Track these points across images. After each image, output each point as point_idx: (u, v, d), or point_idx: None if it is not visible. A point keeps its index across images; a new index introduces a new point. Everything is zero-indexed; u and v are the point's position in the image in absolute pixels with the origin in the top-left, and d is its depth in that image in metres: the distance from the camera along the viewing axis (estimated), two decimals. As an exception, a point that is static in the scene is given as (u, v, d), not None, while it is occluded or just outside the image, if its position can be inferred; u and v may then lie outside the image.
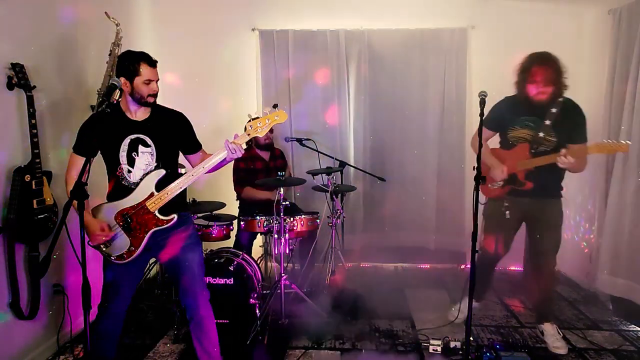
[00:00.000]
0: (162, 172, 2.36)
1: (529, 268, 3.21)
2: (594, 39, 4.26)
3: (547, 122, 2.93)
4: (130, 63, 2.29)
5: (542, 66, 2.85)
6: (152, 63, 2.34)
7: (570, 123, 2.94)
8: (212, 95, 4.68)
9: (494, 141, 3.25)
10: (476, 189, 2.48)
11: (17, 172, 2.59)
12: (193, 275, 2.49)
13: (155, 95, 2.37)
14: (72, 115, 3.14)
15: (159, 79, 2.39)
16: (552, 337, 3.08)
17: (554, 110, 2.92)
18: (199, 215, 3.52)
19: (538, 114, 2.96)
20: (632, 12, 3.60)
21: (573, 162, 2.79)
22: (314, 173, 3.81)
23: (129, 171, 2.35)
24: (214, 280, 3.17)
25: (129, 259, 2.36)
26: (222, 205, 3.60)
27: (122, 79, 2.28)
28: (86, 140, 2.33)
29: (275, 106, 2.38)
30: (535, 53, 2.94)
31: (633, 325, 3.45)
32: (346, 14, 4.54)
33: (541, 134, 2.95)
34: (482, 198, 3.15)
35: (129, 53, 2.36)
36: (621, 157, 3.56)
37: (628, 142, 2.88)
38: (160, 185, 2.35)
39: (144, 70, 2.30)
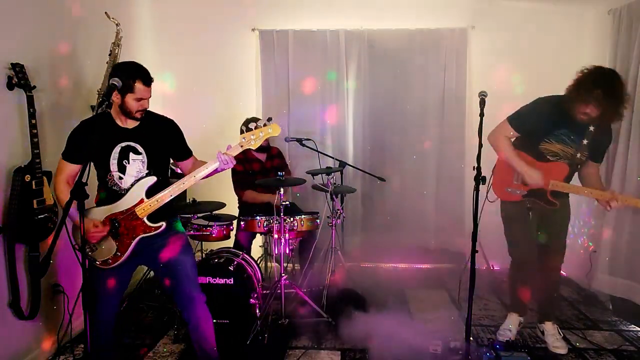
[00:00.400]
0: (154, 179, 2.35)
1: (535, 267, 3.16)
2: (594, 39, 4.26)
3: (585, 142, 2.83)
4: (127, 78, 2.24)
5: (601, 91, 2.58)
6: (148, 82, 2.31)
7: (601, 144, 2.90)
8: (211, 95, 4.67)
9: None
10: (476, 189, 2.47)
11: (17, 172, 2.59)
12: (187, 279, 2.47)
13: (143, 111, 2.34)
14: (72, 115, 3.14)
15: (150, 96, 2.35)
16: (553, 336, 3.08)
17: (591, 128, 2.81)
18: (199, 215, 3.52)
19: (577, 131, 2.82)
20: (632, 12, 3.60)
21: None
22: (314, 173, 3.81)
23: (120, 178, 2.35)
24: (214, 280, 3.17)
25: (115, 264, 2.35)
26: (222, 205, 3.60)
27: (114, 92, 2.24)
28: (76, 147, 2.32)
29: (269, 119, 2.39)
30: (599, 71, 2.66)
31: (633, 325, 3.45)
32: (346, 14, 4.54)
33: (578, 155, 2.86)
34: (494, 199, 3.05)
35: (127, 65, 2.33)
36: (622, 156, 3.56)
37: None
38: (151, 192, 2.34)
39: (138, 88, 2.26)
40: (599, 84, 2.59)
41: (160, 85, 4.53)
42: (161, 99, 4.54)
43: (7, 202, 2.59)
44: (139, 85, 2.26)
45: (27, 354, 2.80)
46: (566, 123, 2.81)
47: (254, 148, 2.39)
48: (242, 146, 2.35)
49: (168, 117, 2.55)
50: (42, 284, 2.82)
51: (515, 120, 2.91)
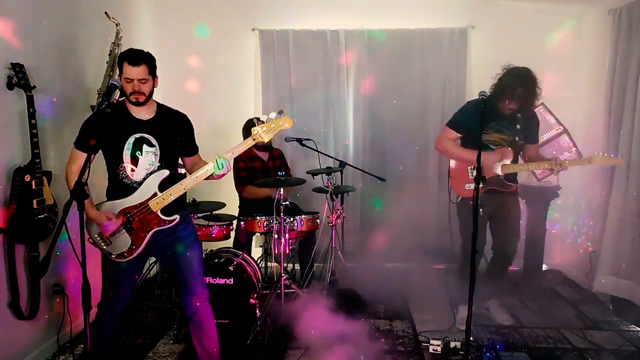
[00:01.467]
0: (166, 172, 2.36)
1: (495, 255, 3.47)
2: (594, 39, 4.26)
3: (518, 127, 3.17)
4: (119, 60, 2.31)
5: (520, 89, 2.97)
6: (134, 62, 2.26)
7: (531, 126, 3.24)
8: (211, 95, 4.68)
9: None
10: (476, 189, 2.49)
11: (17, 172, 2.59)
12: (193, 273, 2.49)
13: (138, 94, 2.29)
14: (72, 115, 3.15)
15: (145, 79, 2.30)
16: (497, 311, 3.44)
17: (519, 115, 3.14)
18: (199, 215, 3.52)
19: (508, 119, 3.15)
20: (632, 12, 3.59)
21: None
22: (314, 173, 3.81)
23: (132, 170, 2.34)
24: (214, 280, 3.17)
25: (130, 258, 2.37)
26: (222, 205, 3.60)
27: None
28: (89, 136, 2.29)
29: (280, 112, 2.39)
30: (516, 72, 3.02)
31: (633, 325, 3.45)
32: (346, 14, 4.54)
33: (517, 139, 3.16)
34: (454, 198, 3.36)
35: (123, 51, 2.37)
36: (625, 157, 3.56)
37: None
38: (163, 185, 2.34)
39: (125, 68, 2.26)
40: (519, 84, 2.96)
41: (160, 85, 4.54)
42: (161, 99, 4.54)
43: (7, 202, 2.59)
44: (125, 65, 2.26)
45: (27, 354, 2.80)
46: (496, 116, 3.13)
47: (266, 140, 2.39)
48: (254, 139, 2.35)
49: (182, 112, 2.55)
50: (42, 284, 2.83)
51: (453, 123, 3.29)
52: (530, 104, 3.07)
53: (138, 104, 2.33)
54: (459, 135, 3.29)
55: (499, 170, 3.16)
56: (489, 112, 3.05)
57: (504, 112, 3.10)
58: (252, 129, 2.36)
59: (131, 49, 2.35)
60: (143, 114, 2.38)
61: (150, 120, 2.39)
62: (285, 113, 2.42)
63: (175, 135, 2.45)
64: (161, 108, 2.45)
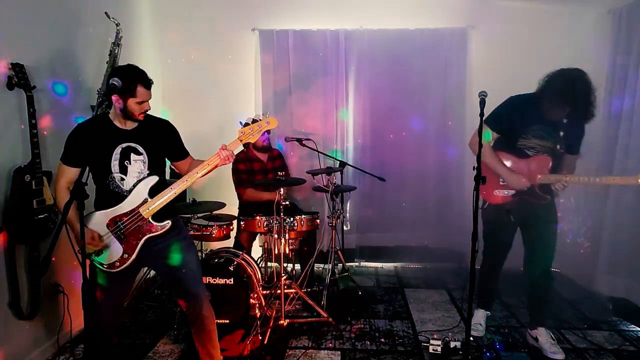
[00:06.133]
0: (155, 178, 2.36)
1: (526, 270, 3.16)
2: (594, 39, 4.26)
3: (561, 134, 2.87)
4: (128, 82, 2.22)
5: (571, 94, 2.67)
6: (148, 85, 2.30)
7: (575, 136, 2.92)
8: (211, 95, 4.68)
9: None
10: (476, 189, 2.47)
11: (17, 172, 2.59)
12: (193, 276, 2.47)
13: (146, 112, 2.35)
14: (72, 115, 3.15)
15: (151, 98, 2.34)
16: (547, 343, 3.00)
17: (565, 120, 2.85)
18: (199, 215, 3.52)
19: (552, 125, 2.87)
20: (632, 12, 3.60)
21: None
22: (314, 173, 3.81)
23: (122, 179, 2.33)
24: (214, 280, 3.17)
25: (122, 267, 2.33)
26: (222, 205, 3.60)
27: (115, 96, 2.24)
28: (73, 150, 2.30)
29: (264, 114, 2.43)
30: (570, 75, 2.70)
31: (633, 325, 3.45)
32: (346, 14, 4.55)
33: (558, 147, 2.89)
34: (481, 202, 2.98)
35: (127, 69, 2.29)
36: (623, 156, 3.56)
37: None
38: (153, 191, 2.34)
39: (140, 92, 2.26)
40: (571, 86, 2.66)
41: (160, 84, 4.54)
42: (161, 99, 4.55)
43: (7, 202, 2.59)
44: (140, 89, 2.25)
45: (27, 353, 2.80)
46: (541, 118, 2.85)
47: (252, 141, 2.41)
48: (241, 140, 2.37)
49: (164, 118, 2.56)
50: (42, 284, 2.83)
51: (492, 121, 2.93)
52: (583, 112, 2.72)
53: (138, 121, 2.35)
54: (496, 135, 2.95)
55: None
56: (534, 113, 2.85)
57: (553, 117, 2.81)
58: (239, 130, 2.39)
59: (137, 68, 2.29)
60: (128, 124, 2.36)
61: (134, 129, 2.38)
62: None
63: (161, 142, 2.45)
64: (144, 117, 2.42)
